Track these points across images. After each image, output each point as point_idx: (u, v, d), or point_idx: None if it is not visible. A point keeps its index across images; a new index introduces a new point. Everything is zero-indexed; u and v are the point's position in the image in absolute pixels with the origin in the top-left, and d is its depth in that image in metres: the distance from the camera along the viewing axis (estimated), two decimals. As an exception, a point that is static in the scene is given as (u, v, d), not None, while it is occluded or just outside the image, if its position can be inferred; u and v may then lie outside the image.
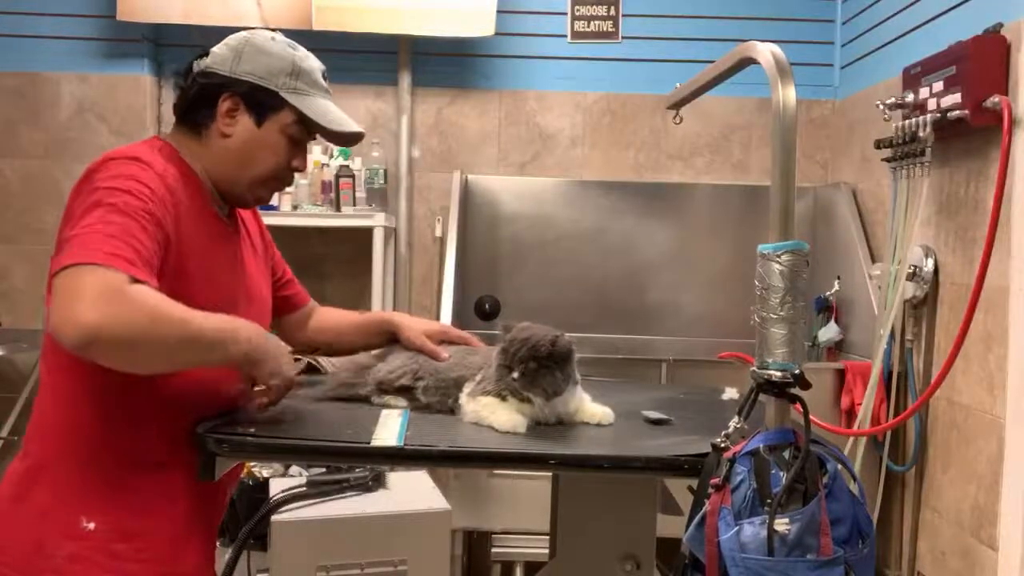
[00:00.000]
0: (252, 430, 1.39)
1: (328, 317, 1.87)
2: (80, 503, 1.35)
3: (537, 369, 1.45)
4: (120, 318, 1.18)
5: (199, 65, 1.53)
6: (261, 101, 1.51)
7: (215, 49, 1.54)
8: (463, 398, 1.54)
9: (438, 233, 3.67)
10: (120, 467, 1.38)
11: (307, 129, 1.54)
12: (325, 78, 1.60)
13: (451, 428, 1.48)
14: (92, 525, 1.34)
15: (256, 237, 1.68)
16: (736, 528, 1.14)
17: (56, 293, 1.21)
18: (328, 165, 3.44)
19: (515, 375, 1.45)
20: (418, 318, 1.82)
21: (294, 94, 1.52)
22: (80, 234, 1.25)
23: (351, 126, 1.59)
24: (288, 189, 3.33)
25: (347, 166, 3.41)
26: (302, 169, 1.59)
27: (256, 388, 1.44)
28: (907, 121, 2.60)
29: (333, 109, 1.58)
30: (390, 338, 1.77)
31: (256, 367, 1.39)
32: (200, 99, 1.51)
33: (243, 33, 1.56)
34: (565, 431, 1.48)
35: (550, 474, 1.82)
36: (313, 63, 1.58)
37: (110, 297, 1.19)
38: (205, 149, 1.51)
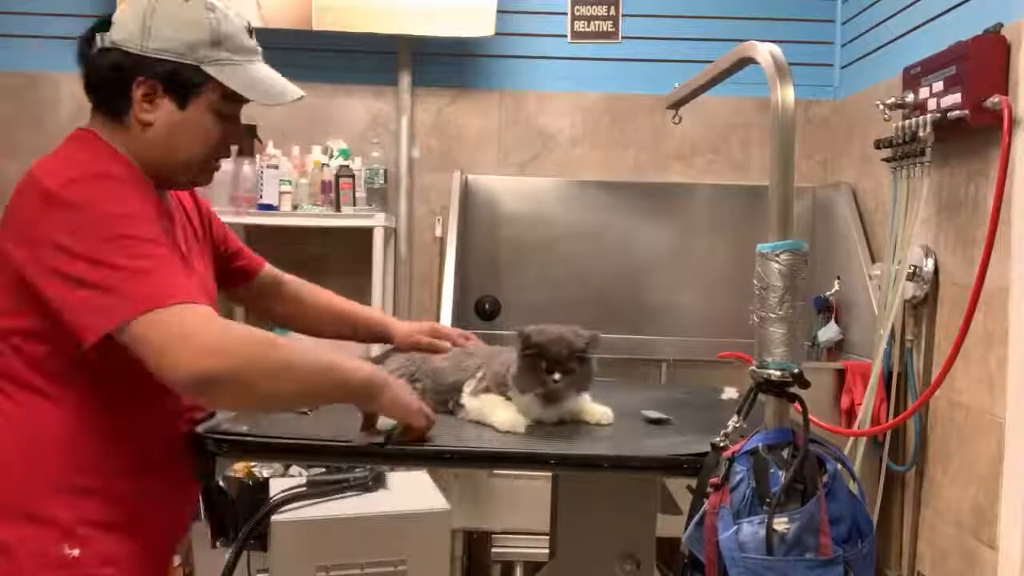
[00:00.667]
0: (244, 428, 1.40)
1: (310, 295, 1.77)
2: (60, 531, 1.27)
3: (577, 367, 1.46)
4: (239, 356, 1.18)
5: (103, 40, 1.32)
6: (182, 81, 1.32)
7: (117, 18, 1.32)
8: (464, 396, 1.54)
9: (438, 233, 3.67)
10: (98, 492, 1.30)
11: (237, 101, 1.38)
12: (251, 33, 1.39)
13: (451, 428, 1.48)
14: (76, 552, 1.27)
15: (192, 212, 1.55)
16: (735, 527, 1.14)
17: (151, 340, 1.16)
18: (328, 165, 3.44)
19: (556, 377, 1.45)
20: (407, 321, 1.81)
21: (218, 66, 1.32)
22: (133, 273, 1.18)
23: (288, 95, 1.40)
24: (287, 189, 3.33)
25: (347, 166, 3.41)
26: (239, 143, 1.46)
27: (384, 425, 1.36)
28: (907, 121, 2.60)
29: (265, 74, 1.39)
30: (376, 339, 1.76)
31: (383, 396, 1.31)
32: (110, 83, 1.33)
33: None
34: (565, 431, 1.48)
35: (550, 474, 1.82)
36: (235, 22, 1.36)
37: (218, 335, 1.18)
38: (129, 137, 1.34)
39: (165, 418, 1.37)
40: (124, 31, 1.31)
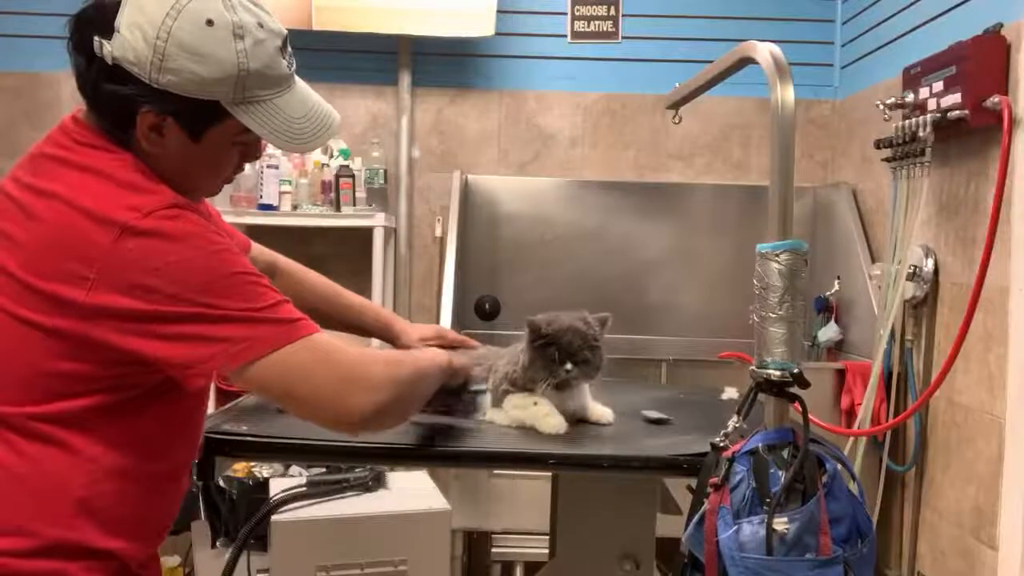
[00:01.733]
0: (244, 428, 1.40)
1: (314, 284, 1.68)
2: None
3: (591, 354, 1.47)
4: (395, 383, 1.20)
5: (104, 49, 1.12)
6: (196, 116, 1.16)
7: (125, 32, 1.11)
8: (488, 410, 1.53)
9: (438, 233, 3.67)
10: (107, 551, 1.17)
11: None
12: (285, 47, 1.22)
13: (451, 428, 1.48)
14: None
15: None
16: (735, 527, 1.14)
17: (304, 380, 1.13)
18: (328, 165, 3.44)
19: (569, 367, 1.45)
20: (415, 324, 1.80)
21: (242, 106, 1.17)
22: (252, 309, 1.12)
23: (321, 135, 1.26)
24: (287, 189, 3.33)
25: (347, 166, 3.41)
26: (257, 158, 1.31)
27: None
28: (907, 121, 2.60)
29: (297, 106, 1.23)
30: (381, 337, 1.75)
31: (453, 366, 1.43)
32: (112, 106, 1.15)
33: (165, 10, 1.11)
34: (565, 430, 1.48)
35: (550, 474, 1.82)
36: (267, 48, 1.18)
37: (371, 368, 1.17)
38: (138, 152, 1.18)
39: (175, 476, 1.28)
40: (131, 51, 1.11)
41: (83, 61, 1.15)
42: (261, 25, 1.18)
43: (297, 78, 1.27)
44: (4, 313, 1.12)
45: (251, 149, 1.27)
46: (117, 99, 1.14)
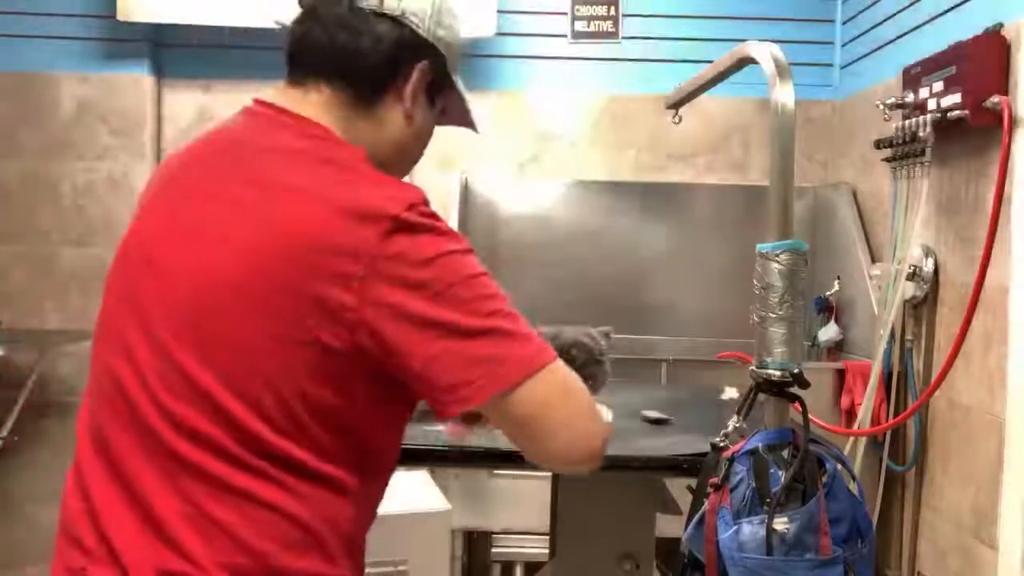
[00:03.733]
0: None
1: None
2: None
3: (597, 369, 1.47)
4: (606, 427, 1.06)
5: (383, 1, 1.05)
6: (442, 77, 1.14)
7: None
8: None
9: (438, 233, 3.66)
10: None
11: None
12: None
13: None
14: None
15: None
16: (735, 527, 1.14)
17: (549, 408, 0.99)
18: (328, 165, 3.44)
19: None
20: None
21: (457, 76, 1.18)
22: (513, 321, 1.01)
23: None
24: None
25: (347, 166, 3.41)
26: None
27: None
28: (907, 121, 2.60)
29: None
30: None
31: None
32: (381, 60, 1.06)
33: None
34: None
35: (550, 474, 1.82)
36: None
37: (591, 406, 1.04)
38: (364, 127, 1.09)
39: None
40: (415, 2, 1.07)
41: (338, 24, 1.06)
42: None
43: None
44: (257, 331, 0.96)
45: None
46: (395, 51, 1.06)
